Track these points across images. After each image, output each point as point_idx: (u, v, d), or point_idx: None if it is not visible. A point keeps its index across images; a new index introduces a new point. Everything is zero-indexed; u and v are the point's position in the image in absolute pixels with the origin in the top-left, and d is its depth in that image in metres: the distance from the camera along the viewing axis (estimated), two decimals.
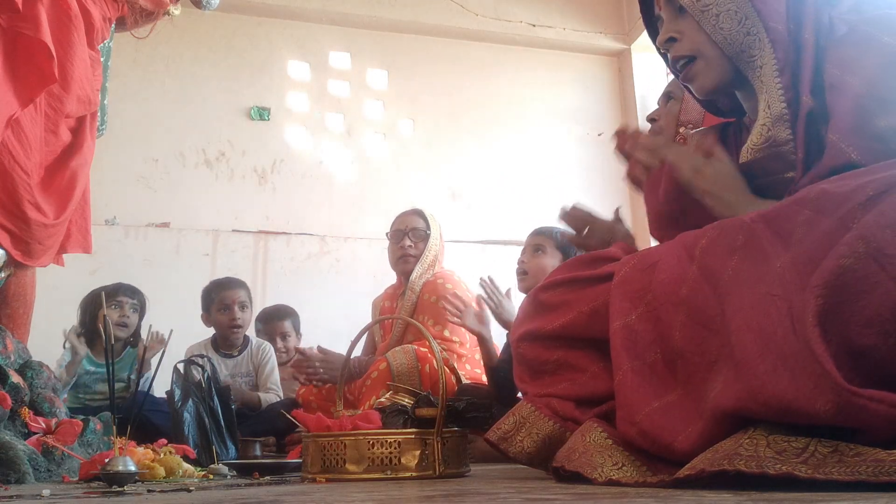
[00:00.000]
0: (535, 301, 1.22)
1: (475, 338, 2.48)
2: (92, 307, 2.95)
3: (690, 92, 1.25)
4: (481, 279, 2.40)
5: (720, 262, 0.91)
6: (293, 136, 4.40)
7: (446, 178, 4.51)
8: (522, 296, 2.37)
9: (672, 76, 1.81)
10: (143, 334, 2.67)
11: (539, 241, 2.45)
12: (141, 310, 3.04)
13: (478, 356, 2.55)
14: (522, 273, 2.44)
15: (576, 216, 1.51)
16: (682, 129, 1.73)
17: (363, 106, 4.55)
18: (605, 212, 1.54)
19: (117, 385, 2.52)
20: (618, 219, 1.53)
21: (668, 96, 1.80)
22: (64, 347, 2.88)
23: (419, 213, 2.80)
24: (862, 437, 0.72)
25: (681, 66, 1.19)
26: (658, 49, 1.25)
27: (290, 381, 3.27)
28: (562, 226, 1.55)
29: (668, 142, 1.22)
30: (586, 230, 1.49)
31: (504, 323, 2.32)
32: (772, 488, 0.71)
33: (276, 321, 3.36)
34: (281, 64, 4.46)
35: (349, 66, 4.58)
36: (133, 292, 3.03)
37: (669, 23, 1.19)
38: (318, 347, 2.84)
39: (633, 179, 1.36)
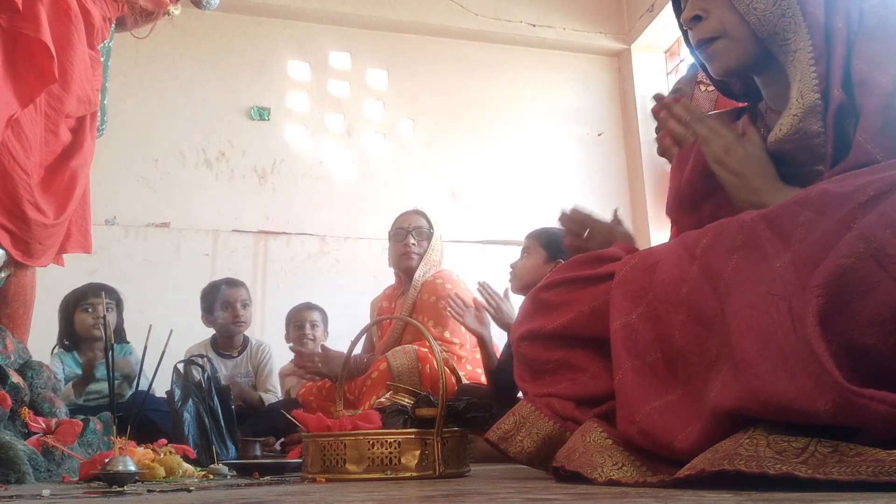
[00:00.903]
0: (536, 300, 1.22)
1: (475, 339, 2.49)
2: (66, 312, 2.92)
3: (707, 72, 1.21)
4: (479, 284, 2.41)
5: (721, 262, 0.91)
6: (293, 136, 4.40)
7: (446, 178, 4.51)
8: (518, 297, 2.38)
9: (679, 76, 1.79)
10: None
11: (527, 242, 2.47)
12: (118, 307, 3.00)
13: (478, 356, 2.55)
14: (512, 275, 2.46)
15: (575, 219, 1.49)
16: None
17: (363, 106, 4.55)
18: (604, 212, 1.54)
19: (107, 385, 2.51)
20: (617, 220, 1.52)
21: (676, 93, 1.80)
22: (56, 364, 2.85)
23: (421, 213, 2.81)
24: (861, 437, 0.72)
25: (703, 45, 1.15)
26: (680, 26, 1.20)
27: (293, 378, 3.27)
28: (561, 228, 1.52)
29: (702, 114, 1.15)
30: (587, 233, 1.47)
31: (504, 325, 2.32)
32: (772, 488, 0.71)
33: (305, 310, 3.35)
34: (281, 64, 4.46)
35: (349, 66, 4.58)
36: (106, 291, 3.01)
37: None
38: (322, 346, 2.84)
39: (663, 149, 1.28)
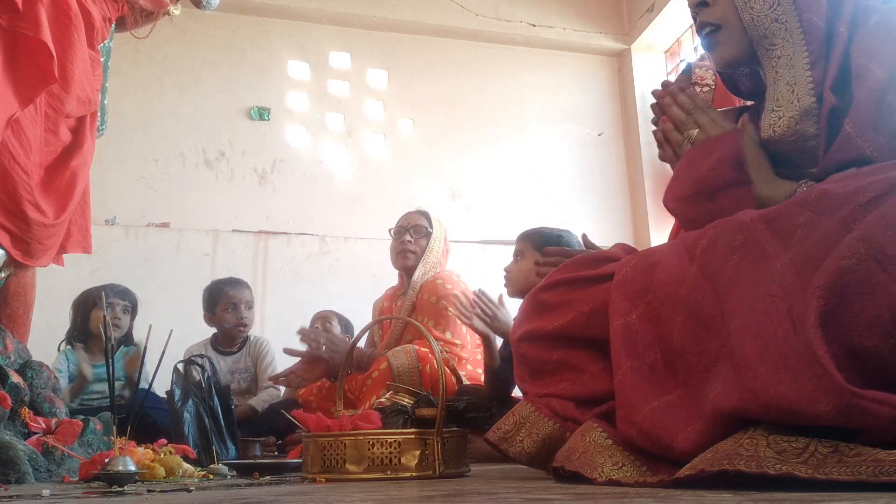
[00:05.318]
0: (536, 301, 1.22)
1: (476, 340, 2.47)
2: (83, 309, 2.94)
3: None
4: (474, 294, 2.36)
5: (720, 263, 0.91)
6: (293, 136, 4.40)
7: (446, 178, 4.51)
8: (513, 301, 2.35)
9: (669, 77, 1.78)
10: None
11: (519, 245, 2.43)
12: (132, 310, 3.03)
13: (479, 356, 2.55)
14: (507, 279, 2.42)
15: (554, 263, 1.48)
16: None
17: (363, 106, 4.55)
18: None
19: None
20: (590, 245, 1.53)
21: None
22: (62, 361, 2.85)
23: (423, 213, 2.81)
24: (861, 437, 0.72)
25: (706, 32, 1.18)
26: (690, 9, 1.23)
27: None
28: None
29: (705, 105, 1.16)
30: None
31: (502, 333, 2.27)
32: (772, 488, 0.71)
33: (324, 312, 3.48)
34: (281, 64, 4.46)
35: (349, 66, 4.58)
36: (124, 293, 3.02)
37: None
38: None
39: (662, 136, 1.24)
